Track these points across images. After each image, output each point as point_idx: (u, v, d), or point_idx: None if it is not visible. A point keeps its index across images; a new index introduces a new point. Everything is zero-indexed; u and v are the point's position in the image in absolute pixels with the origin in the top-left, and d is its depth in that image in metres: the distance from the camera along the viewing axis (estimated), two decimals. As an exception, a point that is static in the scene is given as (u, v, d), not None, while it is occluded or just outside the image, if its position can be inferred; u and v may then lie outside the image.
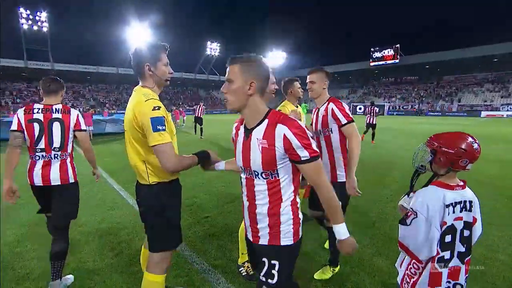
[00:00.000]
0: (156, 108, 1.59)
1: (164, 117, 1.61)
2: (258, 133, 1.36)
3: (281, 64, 70.56)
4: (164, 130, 1.58)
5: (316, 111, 2.51)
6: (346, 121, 2.26)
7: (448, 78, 51.32)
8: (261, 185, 1.39)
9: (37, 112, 2.28)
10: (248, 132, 1.41)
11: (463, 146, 1.34)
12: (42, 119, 2.27)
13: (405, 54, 49.57)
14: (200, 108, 14.15)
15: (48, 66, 44.77)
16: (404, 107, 46.91)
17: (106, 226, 3.59)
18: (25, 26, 43.32)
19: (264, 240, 1.43)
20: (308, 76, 2.51)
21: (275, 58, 68.96)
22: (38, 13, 43.75)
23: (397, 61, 50.03)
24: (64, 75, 46.87)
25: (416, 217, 1.36)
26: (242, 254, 2.55)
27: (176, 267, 2.65)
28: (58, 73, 45.33)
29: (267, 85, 1.40)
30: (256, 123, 1.38)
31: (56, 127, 2.29)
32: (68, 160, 2.38)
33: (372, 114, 11.22)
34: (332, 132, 2.35)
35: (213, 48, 63.84)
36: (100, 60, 51.49)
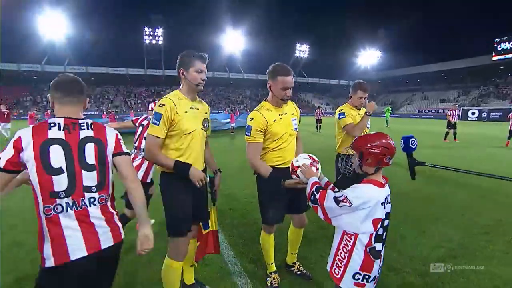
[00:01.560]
0: (161, 105, 1.79)
1: (162, 114, 1.76)
2: None
3: (374, 64, 64.96)
4: (156, 124, 1.76)
5: None
6: None
7: None
8: None
9: None
10: None
11: (385, 145, 1.48)
12: None
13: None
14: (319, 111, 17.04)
15: (160, 73, 53.44)
16: (543, 112, 36.12)
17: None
18: (147, 41, 52.94)
19: None
20: None
21: (368, 57, 63.98)
22: (156, 30, 52.80)
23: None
24: (172, 80, 55.09)
25: (349, 206, 1.45)
26: (269, 264, 2.39)
27: (210, 263, 2.73)
28: (168, 78, 53.84)
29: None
30: None
31: None
32: None
33: None
34: None
35: (302, 50, 63.76)
36: (200, 66, 58.01)
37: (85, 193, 1.36)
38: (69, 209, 1.32)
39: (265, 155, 2.16)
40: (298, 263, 2.51)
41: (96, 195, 1.39)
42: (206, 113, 2.10)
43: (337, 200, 1.49)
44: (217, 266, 2.69)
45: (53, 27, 45.90)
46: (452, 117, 12.43)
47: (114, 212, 1.49)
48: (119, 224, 1.49)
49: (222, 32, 56.99)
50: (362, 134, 2.68)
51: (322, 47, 69.76)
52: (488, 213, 4.00)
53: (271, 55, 65.59)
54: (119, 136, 1.54)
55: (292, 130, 2.17)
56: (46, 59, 46.73)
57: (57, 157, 1.31)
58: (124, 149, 1.53)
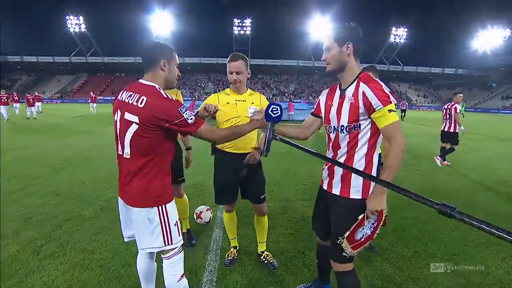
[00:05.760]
0: None
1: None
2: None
3: (498, 46, 52.54)
4: None
5: None
6: None
7: None
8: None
9: None
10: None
11: None
12: None
13: None
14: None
15: (246, 62, 55.65)
16: None
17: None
18: (236, 32, 55.78)
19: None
20: None
21: (489, 38, 52.35)
22: (244, 21, 55.00)
23: None
24: (257, 69, 56.98)
25: None
26: (230, 239, 2.61)
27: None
28: (253, 67, 55.32)
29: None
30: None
31: None
32: None
33: None
34: None
35: (398, 35, 56.74)
36: (284, 54, 58.21)
37: None
38: None
39: None
40: (266, 253, 2.53)
41: None
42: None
43: None
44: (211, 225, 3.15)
45: (161, 25, 53.69)
46: None
47: None
48: None
49: (308, 19, 55.41)
50: None
51: (424, 29, 60.66)
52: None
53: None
54: None
55: (246, 117, 2.20)
56: (154, 51, 54.51)
57: None
58: None
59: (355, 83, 1.49)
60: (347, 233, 1.47)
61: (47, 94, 50.26)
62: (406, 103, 23.65)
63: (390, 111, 1.37)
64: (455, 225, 3.18)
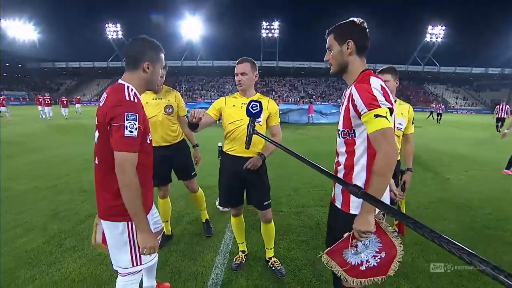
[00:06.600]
0: None
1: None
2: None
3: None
4: None
5: None
6: None
7: None
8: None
9: None
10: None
11: None
12: None
13: None
14: (504, 107, 13.41)
15: (274, 64, 55.71)
16: None
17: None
18: (264, 35, 56.12)
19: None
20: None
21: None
22: (272, 23, 55.23)
23: None
24: (284, 71, 56.89)
25: None
26: (238, 243, 2.59)
27: (219, 220, 2.53)
28: (281, 69, 55.69)
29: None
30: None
31: None
32: None
33: None
34: None
35: (435, 34, 53.55)
36: (312, 56, 57.51)
37: None
38: None
39: (225, 140, 2.28)
40: (274, 259, 2.48)
41: None
42: (169, 100, 2.64)
43: None
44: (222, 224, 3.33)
45: (191, 29, 55.65)
46: None
47: None
48: None
49: (337, 20, 54.11)
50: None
51: (463, 27, 56.59)
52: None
53: (393, 41, 58.21)
54: None
55: None
56: (184, 55, 56.61)
57: None
58: None
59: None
60: (327, 248, 1.35)
61: (87, 97, 54.01)
62: (443, 106, 22.12)
63: (377, 116, 1.20)
64: (489, 239, 2.91)
